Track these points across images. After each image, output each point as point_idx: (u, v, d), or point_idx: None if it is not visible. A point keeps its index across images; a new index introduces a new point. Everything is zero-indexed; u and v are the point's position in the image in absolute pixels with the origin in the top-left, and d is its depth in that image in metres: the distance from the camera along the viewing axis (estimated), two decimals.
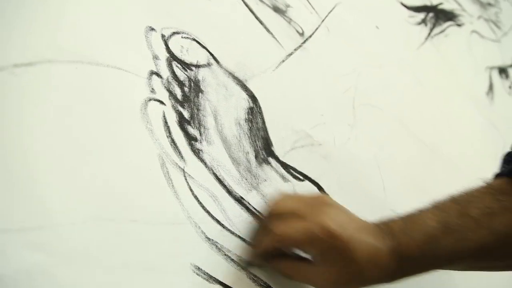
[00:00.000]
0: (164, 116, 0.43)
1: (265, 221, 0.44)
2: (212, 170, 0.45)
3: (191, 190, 0.43)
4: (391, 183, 0.63)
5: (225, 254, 0.43)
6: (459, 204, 0.42)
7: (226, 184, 0.45)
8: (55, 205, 0.36)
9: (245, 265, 0.43)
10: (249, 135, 0.49)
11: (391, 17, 0.74)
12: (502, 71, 1.01)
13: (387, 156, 0.63)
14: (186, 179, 0.43)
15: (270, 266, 0.44)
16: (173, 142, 0.43)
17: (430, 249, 0.40)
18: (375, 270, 0.39)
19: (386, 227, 0.41)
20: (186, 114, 0.45)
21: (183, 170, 0.43)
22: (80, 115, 0.39)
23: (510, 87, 1.02)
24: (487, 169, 0.82)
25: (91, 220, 0.37)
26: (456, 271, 0.48)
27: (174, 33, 0.47)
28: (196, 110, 0.46)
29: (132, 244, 0.38)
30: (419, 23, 0.81)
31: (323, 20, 0.61)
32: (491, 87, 0.95)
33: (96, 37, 0.42)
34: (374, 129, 0.62)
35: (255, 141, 0.49)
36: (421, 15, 0.82)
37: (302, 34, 0.59)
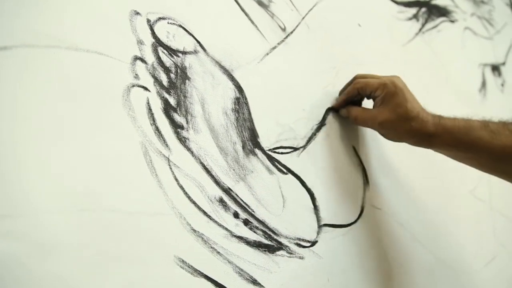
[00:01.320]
0: (148, 103, 0.40)
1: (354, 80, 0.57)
2: (199, 159, 0.42)
3: (176, 179, 0.40)
4: (373, 179, 0.61)
5: (211, 247, 0.41)
6: (502, 121, 0.52)
7: (213, 174, 0.43)
8: (31, 193, 0.33)
9: (328, 109, 0.57)
10: (236, 125, 0.47)
11: (376, 14, 0.72)
12: (495, 68, 1.01)
13: (368, 152, 0.62)
14: (171, 168, 0.40)
15: (345, 110, 0.57)
16: (157, 129, 0.40)
17: (466, 132, 0.51)
18: (418, 122, 0.52)
19: (436, 114, 0.54)
20: (172, 101, 0.42)
21: (168, 158, 0.40)
22: (57, 101, 0.36)
23: (502, 84, 1.02)
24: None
25: (68, 209, 0.33)
26: None
27: (160, 18, 0.44)
28: (182, 97, 0.43)
29: (111, 234, 0.35)
30: (410, 18, 0.80)
31: (303, 18, 0.59)
32: (484, 84, 0.94)
33: (76, 21, 0.39)
34: (353, 125, 0.61)
35: (242, 131, 0.47)
36: (412, 10, 0.81)
37: (284, 30, 0.57)
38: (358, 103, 0.58)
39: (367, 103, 0.58)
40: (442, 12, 0.90)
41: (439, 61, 0.80)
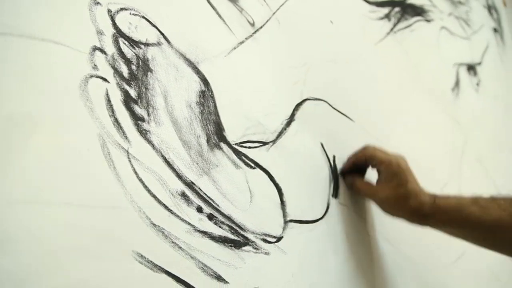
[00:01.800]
0: (107, 94, 0.39)
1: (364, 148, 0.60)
2: (161, 153, 0.41)
3: (135, 172, 0.39)
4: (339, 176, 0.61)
5: (173, 242, 0.40)
6: (491, 196, 0.55)
7: (175, 167, 0.42)
8: None
9: (339, 172, 0.60)
10: (200, 119, 0.45)
11: (348, 12, 0.72)
12: (471, 68, 1.02)
13: (335, 148, 0.61)
14: (130, 160, 0.39)
15: (350, 179, 0.60)
16: (116, 121, 0.39)
17: (458, 210, 0.54)
18: (416, 203, 0.55)
19: (431, 193, 0.57)
20: (132, 93, 0.41)
21: (127, 151, 0.39)
22: (9, 91, 0.34)
23: (477, 84, 1.02)
24: (445, 164, 0.82)
25: (19, 202, 0.32)
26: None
27: (121, 8, 0.43)
28: (144, 89, 0.42)
29: (65, 228, 0.33)
30: (382, 18, 0.80)
31: (274, 13, 0.59)
32: (457, 83, 0.95)
33: (31, 9, 0.37)
34: (322, 121, 0.60)
35: (206, 125, 0.46)
36: (384, 10, 0.81)
37: (253, 25, 0.56)
38: (363, 169, 0.61)
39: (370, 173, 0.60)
40: (417, 11, 0.90)
41: (411, 60, 0.80)
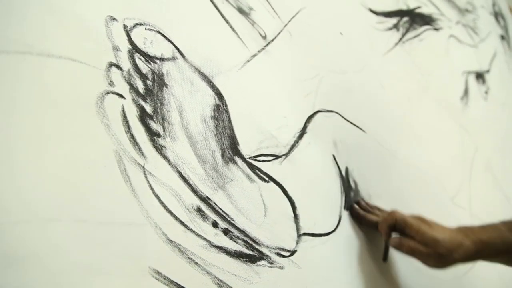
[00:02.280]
0: (123, 110, 0.39)
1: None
2: (176, 168, 0.41)
3: (151, 188, 0.38)
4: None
5: (189, 258, 0.39)
6: None
7: (191, 183, 0.41)
8: None
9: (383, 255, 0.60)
10: (215, 133, 0.45)
11: (356, 24, 0.72)
12: (479, 76, 1.01)
13: (348, 160, 0.61)
14: (146, 176, 0.38)
15: (398, 240, 0.57)
16: (132, 137, 0.39)
17: (501, 241, 0.55)
18: (460, 254, 0.54)
19: (466, 229, 0.57)
20: (148, 109, 0.41)
21: (143, 167, 0.38)
22: (27, 108, 0.34)
23: (486, 92, 1.02)
24: (455, 173, 0.81)
25: (35, 218, 0.32)
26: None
27: (137, 24, 0.43)
28: (159, 105, 0.42)
29: (81, 245, 0.33)
30: (390, 28, 0.80)
31: (285, 25, 0.59)
32: (466, 92, 0.94)
33: (48, 27, 0.37)
34: (334, 133, 0.60)
35: (221, 139, 0.46)
36: (393, 20, 0.80)
37: (265, 37, 0.56)
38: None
39: None
40: (426, 20, 0.90)
41: (420, 70, 0.80)
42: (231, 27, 0.52)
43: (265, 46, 0.56)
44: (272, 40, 0.57)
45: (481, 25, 1.11)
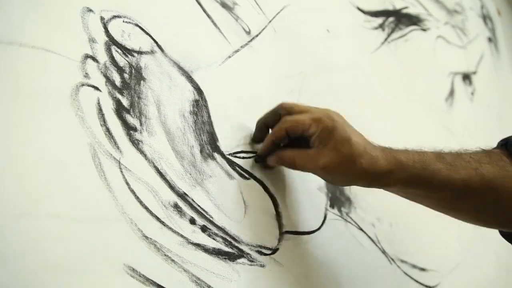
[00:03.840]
0: (98, 103, 0.38)
1: (275, 111, 0.48)
2: (153, 163, 0.40)
3: (127, 183, 0.38)
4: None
5: (165, 255, 0.39)
6: (455, 151, 0.48)
7: (168, 178, 0.41)
8: None
9: (257, 160, 0.49)
10: (194, 128, 0.45)
11: (344, 21, 0.72)
12: (466, 77, 1.02)
13: None
14: (121, 171, 0.38)
15: (275, 157, 0.48)
16: (108, 131, 0.38)
17: (423, 166, 0.45)
18: (368, 161, 0.44)
19: (385, 147, 0.47)
20: (125, 102, 0.40)
21: (119, 161, 0.38)
22: None
23: (472, 93, 1.03)
24: None
25: (5, 214, 0.31)
26: None
27: (114, 16, 0.42)
28: (136, 98, 0.41)
29: (53, 241, 0.33)
30: (376, 28, 0.80)
31: (270, 21, 0.59)
32: (451, 93, 0.95)
33: (21, 16, 0.37)
34: None
35: (200, 134, 0.45)
36: (378, 20, 0.81)
37: (248, 33, 0.56)
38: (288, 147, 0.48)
39: None
40: (413, 20, 0.90)
41: (406, 70, 0.81)
42: (213, 21, 0.52)
43: (248, 42, 0.56)
44: (256, 35, 0.57)
45: (469, 26, 1.12)
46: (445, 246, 0.76)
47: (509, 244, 0.54)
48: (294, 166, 0.47)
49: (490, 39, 1.23)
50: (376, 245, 0.62)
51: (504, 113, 1.20)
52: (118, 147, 0.38)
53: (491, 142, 1.07)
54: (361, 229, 0.60)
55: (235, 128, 0.49)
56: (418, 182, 0.46)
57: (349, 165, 0.44)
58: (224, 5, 0.55)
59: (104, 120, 0.38)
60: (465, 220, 0.51)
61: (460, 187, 0.45)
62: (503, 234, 0.54)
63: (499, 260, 0.89)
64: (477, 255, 0.82)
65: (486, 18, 1.25)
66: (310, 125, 0.44)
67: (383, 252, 0.63)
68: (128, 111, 0.40)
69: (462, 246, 0.80)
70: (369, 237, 0.61)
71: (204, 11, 0.51)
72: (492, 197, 0.46)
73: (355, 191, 0.62)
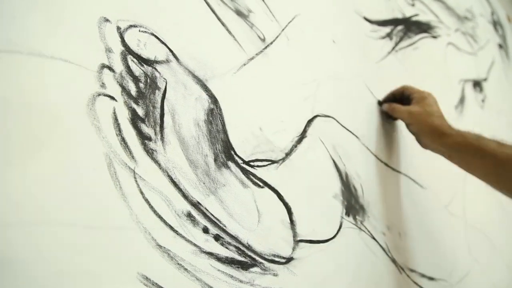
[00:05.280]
0: (114, 112, 0.38)
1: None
2: (167, 172, 0.40)
3: (141, 192, 0.37)
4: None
5: (178, 263, 0.38)
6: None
7: (182, 187, 0.40)
8: None
9: (379, 102, 0.71)
10: (208, 137, 0.44)
11: (349, 32, 0.71)
12: (477, 84, 1.01)
13: (348, 166, 0.60)
14: (136, 180, 0.37)
15: (387, 105, 0.70)
16: (123, 140, 0.38)
17: (477, 138, 0.59)
18: (439, 121, 0.63)
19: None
20: (140, 112, 0.40)
21: (134, 171, 0.37)
22: (18, 109, 0.33)
23: (483, 100, 1.01)
24: (449, 181, 0.80)
25: (22, 222, 0.31)
26: None
27: (131, 26, 0.42)
28: (151, 108, 0.41)
29: (68, 250, 0.32)
30: (383, 37, 0.79)
31: (283, 29, 0.58)
32: (462, 100, 0.93)
33: (40, 26, 0.36)
34: (333, 138, 0.59)
35: (214, 143, 0.45)
36: (386, 29, 0.80)
37: (263, 40, 0.55)
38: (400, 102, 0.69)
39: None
40: (423, 28, 0.89)
41: (413, 79, 0.79)
42: (227, 29, 0.51)
43: (263, 49, 0.55)
44: (271, 42, 0.56)
45: (480, 33, 1.10)
46: (453, 255, 0.74)
47: None
48: (394, 112, 0.68)
49: (500, 46, 1.21)
50: (387, 254, 0.61)
51: None
52: (133, 157, 0.38)
53: None
54: (373, 238, 0.59)
55: (249, 136, 0.48)
56: (469, 148, 0.58)
57: (426, 117, 0.63)
58: (239, 13, 0.54)
59: (119, 130, 0.38)
60: (506, 193, 0.58)
61: (504, 157, 0.55)
62: None
63: (509, 269, 0.88)
64: (486, 263, 0.81)
65: (496, 24, 1.23)
66: (416, 92, 0.68)
67: (393, 261, 0.62)
68: (143, 121, 0.40)
69: (471, 255, 0.79)
70: (381, 245, 0.60)
71: (219, 19, 0.51)
72: None
73: (368, 200, 0.61)
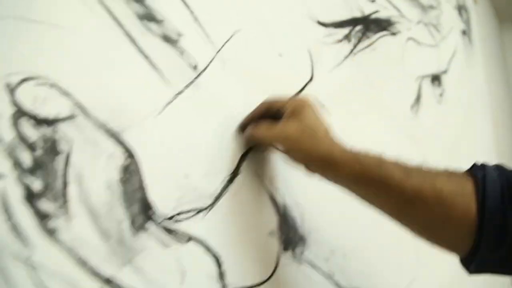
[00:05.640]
0: (3, 194, 0.33)
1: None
2: (74, 251, 0.36)
3: (38, 284, 0.33)
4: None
5: None
6: (416, 164, 0.47)
7: (91, 265, 0.37)
8: None
9: (238, 130, 0.52)
10: (123, 200, 0.40)
11: (298, 42, 0.65)
12: (435, 78, 0.97)
13: (287, 194, 0.57)
14: (33, 270, 0.33)
15: (249, 129, 0.51)
16: (14, 228, 0.33)
17: (379, 165, 0.45)
18: (325, 141, 0.47)
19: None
20: (36, 186, 0.35)
21: (29, 259, 0.33)
22: None
23: (441, 94, 0.98)
24: None
25: None
26: None
27: (24, 79, 0.36)
28: (52, 179, 0.36)
29: None
30: (340, 40, 0.73)
31: (218, 52, 0.52)
32: (418, 99, 0.90)
33: None
34: (272, 168, 0.56)
35: (131, 205, 0.40)
36: (344, 31, 0.74)
37: (195, 68, 0.49)
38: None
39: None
40: (383, 25, 0.84)
41: (370, 82, 0.75)
42: (151, 63, 0.45)
43: (194, 79, 0.50)
44: (203, 70, 0.51)
45: (443, 21, 1.06)
46: (400, 268, 0.75)
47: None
48: (266, 139, 0.50)
49: (464, 32, 1.17)
50: (332, 279, 0.60)
51: (470, 110, 1.17)
52: (27, 243, 0.33)
53: (457, 142, 1.04)
54: (315, 267, 0.57)
55: (172, 189, 0.44)
56: (371, 180, 0.45)
57: (310, 139, 0.47)
58: (166, 39, 0.48)
59: (9, 215, 0.33)
60: (415, 234, 0.47)
61: (411, 192, 0.44)
62: (460, 261, 0.48)
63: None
64: (432, 272, 0.82)
65: (461, 9, 1.18)
66: (287, 102, 0.50)
67: (337, 285, 0.61)
68: (40, 196, 0.35)
69: (418, 260, 0.80)
70: (324, 273, 0.59)
71: (140, 51, 0.45)
72: (442, 212, 0.43)
73: (309, 227, 0.59)
